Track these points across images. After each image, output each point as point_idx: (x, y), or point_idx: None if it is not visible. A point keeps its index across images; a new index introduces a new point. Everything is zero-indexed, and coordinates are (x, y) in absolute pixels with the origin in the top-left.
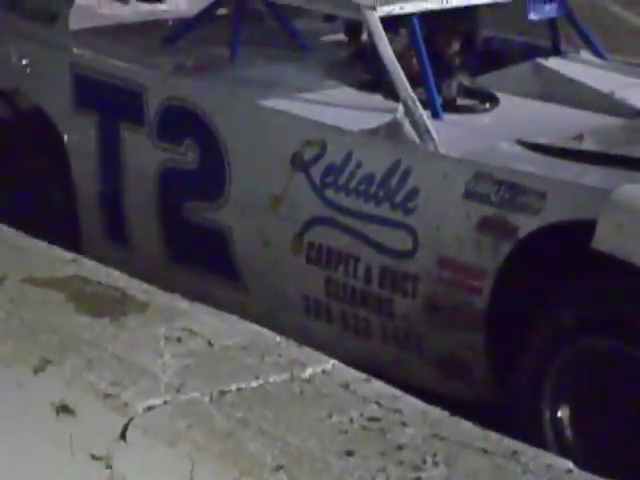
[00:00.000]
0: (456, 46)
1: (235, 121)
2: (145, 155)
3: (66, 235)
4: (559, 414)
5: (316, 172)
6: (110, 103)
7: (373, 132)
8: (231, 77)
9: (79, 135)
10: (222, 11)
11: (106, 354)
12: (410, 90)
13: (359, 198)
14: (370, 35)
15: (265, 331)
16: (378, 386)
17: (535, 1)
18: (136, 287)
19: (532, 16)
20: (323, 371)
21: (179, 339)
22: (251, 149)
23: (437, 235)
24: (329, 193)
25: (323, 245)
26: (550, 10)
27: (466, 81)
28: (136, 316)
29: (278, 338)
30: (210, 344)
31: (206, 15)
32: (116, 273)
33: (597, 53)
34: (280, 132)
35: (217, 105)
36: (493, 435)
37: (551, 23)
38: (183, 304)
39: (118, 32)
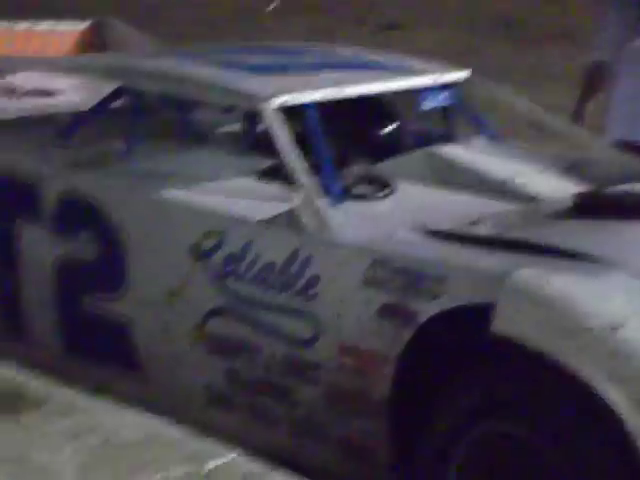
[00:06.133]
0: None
1: (133, 213)
2: (43, 249)
3: None
4: None
5: (216, 262)
6: (6, 197)
7: (272, 221)
8: (128, 169)
9: None
10: (117, 104)
11: (3, 452)
12: (308, 178)
13: (259, 287)
14: (267, 125)
15: (166, 424)
16: (279, 478)
17: (429, 89)
18: (34, 382)
19: (426, 104)
20: (225, 464)
21: (78, 435)
22: (150, 241)
23: (338, 323)
24: (229, 283)
25: (224, 335)
26: (443, 98)
27: (363, 169)
28: (34, 412)
29: (179, 431)
30: (109, 439)
31: (101, 108)
32: (13, 369)
33: (491, 139)
34: (178, 223)
35: (114, 198)
36: None
37: (445, 110)
38: (82, 399)
39: (11, 126)
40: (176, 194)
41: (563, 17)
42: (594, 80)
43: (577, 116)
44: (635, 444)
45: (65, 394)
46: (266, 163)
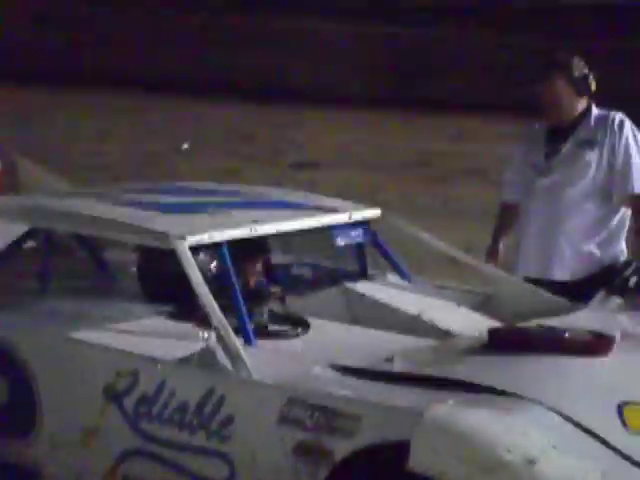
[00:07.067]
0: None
1: (45, 355)
2: None
3: None
4: None
5: (129, 403)
6: None
7: (186, 360)
8: (40, 310)
9: None
10: (31, 244)
11: None
12: (221, 317)
13: (174, 428)
14: (181, 264)
15: None
16: None
17: (341, 227)
18: None
19: (339, 241)
20: None
21: None
22: (62, 382)
23: (254, 462)
24: (143, 424)
25: (138, 477)
26: (356, 235)
27: (276, 307)
28: None
29: None
30: None
31: (14, 248)
32: None
33: (403, 276)
34: (91, 364)
35: (26, 339)
36: None
37: (357, 248)
38: None
39: None
40: (89, 334)
41: (473, 154)
42: (504, 219)
43: (490, 254)
44: None
45: None
46: (178, 302)
